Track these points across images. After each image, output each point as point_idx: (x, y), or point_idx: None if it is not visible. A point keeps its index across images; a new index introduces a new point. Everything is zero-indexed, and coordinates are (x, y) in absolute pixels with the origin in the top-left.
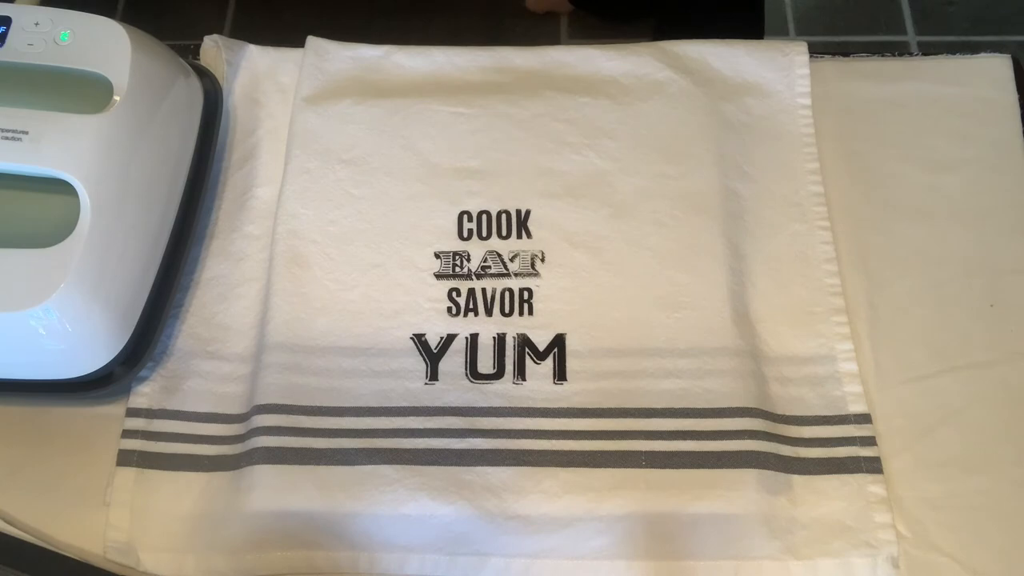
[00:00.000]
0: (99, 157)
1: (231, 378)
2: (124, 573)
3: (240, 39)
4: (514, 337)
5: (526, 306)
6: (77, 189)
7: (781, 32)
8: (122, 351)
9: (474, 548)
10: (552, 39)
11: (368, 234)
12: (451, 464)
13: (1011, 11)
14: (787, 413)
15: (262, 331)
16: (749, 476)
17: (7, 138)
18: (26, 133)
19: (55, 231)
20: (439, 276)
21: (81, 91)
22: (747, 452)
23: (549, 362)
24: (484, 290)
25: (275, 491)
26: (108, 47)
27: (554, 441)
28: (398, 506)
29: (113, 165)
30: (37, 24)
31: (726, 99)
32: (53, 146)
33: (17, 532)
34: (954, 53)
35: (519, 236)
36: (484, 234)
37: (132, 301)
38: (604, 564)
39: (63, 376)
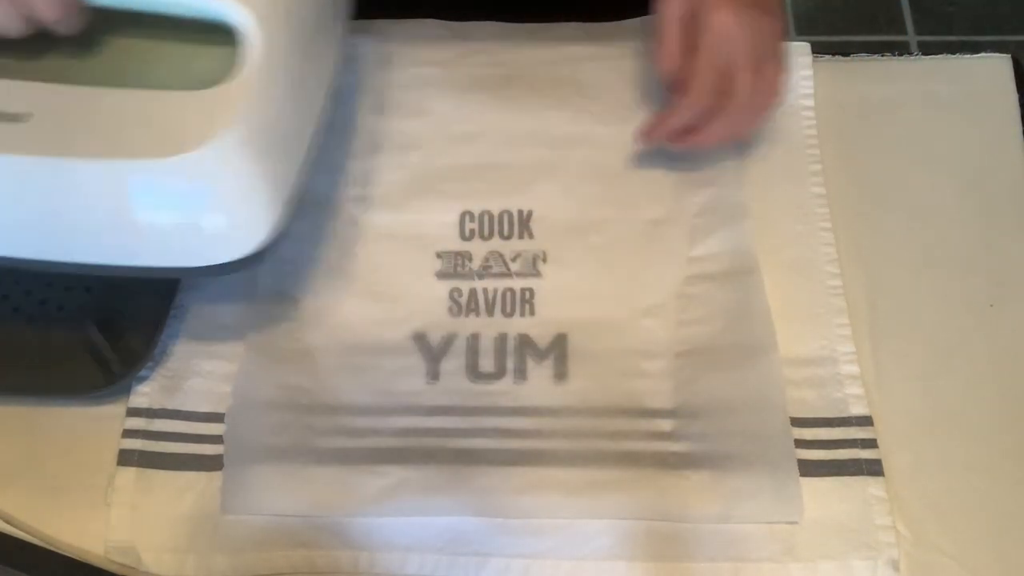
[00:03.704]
0: None
1: (232, 378)
2: (125, 573)
3: None
4: (515, 337)
5: (527, 306)
6: (245, 23)
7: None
8: (272, 231)
9: (474, 548)
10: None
11: (370, 234)
12: (451, 464)
13: (1011, 11)
14: (788, 415)
15: (259, 327)
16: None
17: None
18: None
19: (210, 78)
20: (440, 276)
21: None
22: None
23: (550, 362)
24: (485, 290)
25: (275, 490)
26: None
27: (554, 441)
28: (398, 506)
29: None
30: None
31: None
32: None
33: (17, 532)
34: (954, 53)
35: (521, 236)
36: (486, 234)
37: (289, 167)
38: (604, 565)
39: (213, 259)
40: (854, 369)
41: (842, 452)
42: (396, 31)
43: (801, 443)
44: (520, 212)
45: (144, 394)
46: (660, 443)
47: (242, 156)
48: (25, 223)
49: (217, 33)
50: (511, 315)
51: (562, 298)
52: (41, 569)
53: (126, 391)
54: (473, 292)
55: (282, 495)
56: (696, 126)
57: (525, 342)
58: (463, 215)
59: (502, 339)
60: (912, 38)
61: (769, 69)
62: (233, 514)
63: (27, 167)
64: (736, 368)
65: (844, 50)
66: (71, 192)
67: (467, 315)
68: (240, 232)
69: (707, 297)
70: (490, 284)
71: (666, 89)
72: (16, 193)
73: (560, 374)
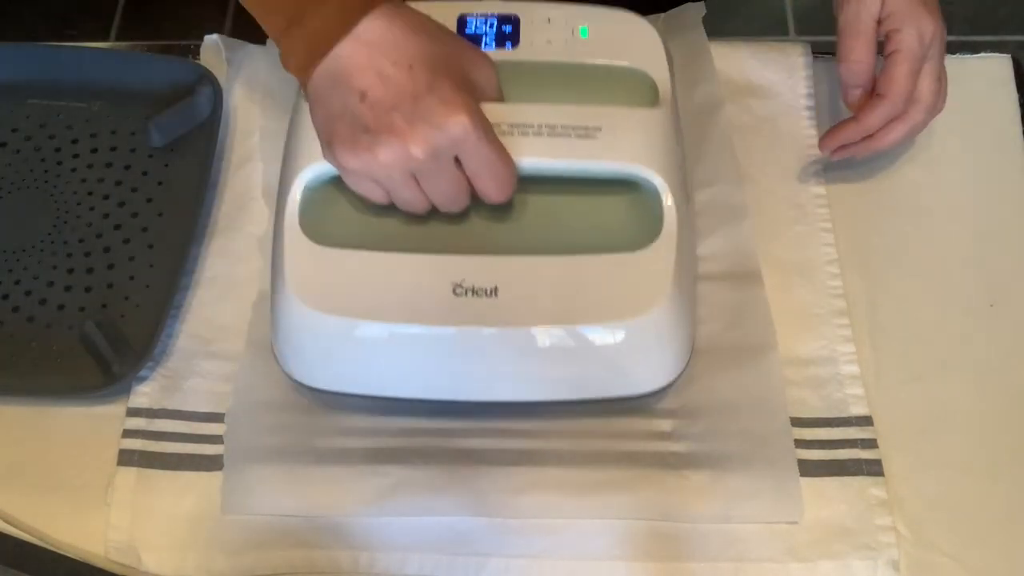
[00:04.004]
0: (670, 152)
1: (231, 378)
2: (125, 573)
3: (240, 39)
4: None
5: None
6: (658, 185)
7: (781, 32)
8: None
9: (474, 548)
10: None
11: None
12: (451, 463)
13: (1011, 11)
14: (789, 414)
15: (260, 329)
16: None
17: (581, 136)
18: (599, 129)
19: (626, 233)
20: None
21: (622, 86)
22: None
23: None
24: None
25: (275, 490)
26: (635, 41)
27: (555, 441)
28: (398, 506)
29: (678, 160)
30: (549, 21)
31: (729, 100)
32: (631, 141)
33: (17, 532)
34: (954, 53)
35: None
36: None
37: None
38: (604, 565)
39: (643, 389)
40: (854, 369)
41: (842, 452)
42: None
43: (801, 443)
44: None
45: (144, 394)
46: (660, 443)
47: (680, 307)
48: (496, 375)
49: (614, 186)
50: None
51: None
52: (41, 569)
53: (126, 391)
54: None
55: (282, 495)
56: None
57: None
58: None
59: None
60: None
61: (944, 75)
62: (233, 514)
63: (504, 336)
64: (736, 368)
65: None
66: (539, 352)
67: None
68: (674, 363)
69: (707, 297)
70: None
71: (848, 87)
72: (493, 353)
73: None
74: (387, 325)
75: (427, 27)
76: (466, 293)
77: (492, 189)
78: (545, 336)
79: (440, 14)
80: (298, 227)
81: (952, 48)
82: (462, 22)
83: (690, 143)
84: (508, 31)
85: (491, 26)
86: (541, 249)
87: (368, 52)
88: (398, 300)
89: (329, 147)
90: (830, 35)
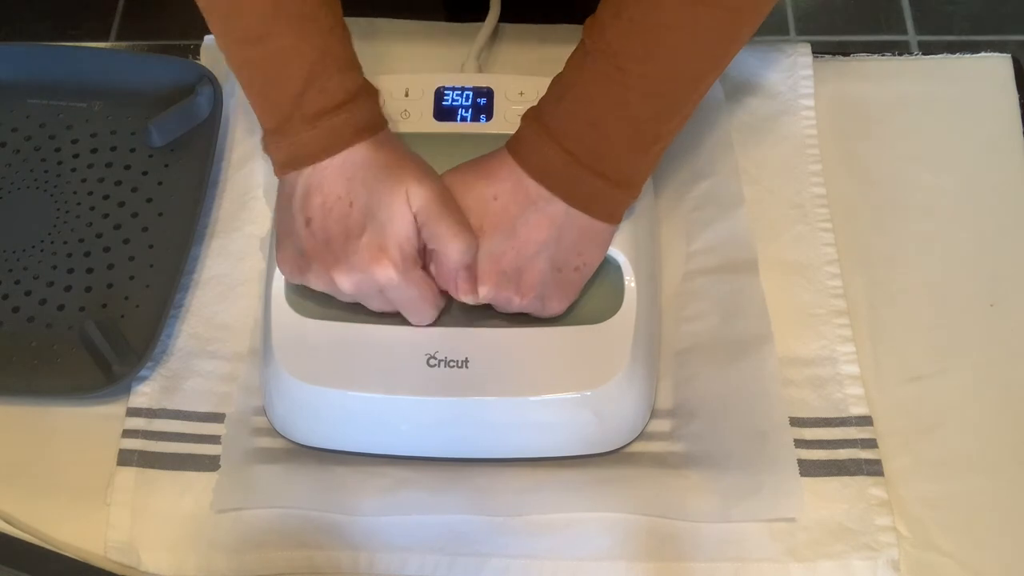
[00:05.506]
0: (636, 231)
1: (231, 378)
2: (125, 573)
3: None
4: None
5: None
6: (622, 264)
7: (781, 32)
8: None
9: (474, 548)
10: None
11: None
12: (451, 463)
13: (1011, 11)
14: (788, 415)
15: (259, 330)
16: None
17: None
18: None
19: (589, 306)
20: None
21: None
22: None
23: None
24: None
25: (275, 491)
26: None
27: None
28: (398, 506)
29: (644, 238)
30: (522, 94)
31: (729, 99)
32: None
33: (17, 532)
34: (954, 53)
35: None
36: None
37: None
38: (604, 565)
39: (605, 448)
40: (854, 369)
41: (842, 452)
42: (391, 30)
43: (801, 443)
44: None
45: (144, 394)
46: (659, 443)
47: (637, 377)
48: (467, 438)
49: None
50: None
51: None
52: (41, 569)
53: (126, 391)
54: None
55: (283, 494)
56: None
57: None
58: None
59: None
60: (912, 38)
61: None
62: (226, 510)
63: (474, 405)
64: (733, 363)
65: (844, 50)
66: (507, 418)
67: None
68: (632, 425)
69: (705, 291)
70: None
71: None
72: (465, 420)
73: None
74: (365, 395)
75: (396, 162)
76: (439, 364)
77: (414, 319)
78: (512, 405)
79: (419, 85)
80: (284, 301)
81: (952, 48)
82: (440, 95)
83: (689, 138)
84: (483, 103)
85: (467, 99)
86: (509, 320)
87: (325, 180)
88: (376, 371)
89: (276, 253)
90: (830, 35)
